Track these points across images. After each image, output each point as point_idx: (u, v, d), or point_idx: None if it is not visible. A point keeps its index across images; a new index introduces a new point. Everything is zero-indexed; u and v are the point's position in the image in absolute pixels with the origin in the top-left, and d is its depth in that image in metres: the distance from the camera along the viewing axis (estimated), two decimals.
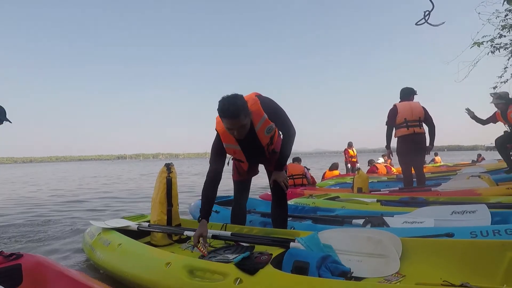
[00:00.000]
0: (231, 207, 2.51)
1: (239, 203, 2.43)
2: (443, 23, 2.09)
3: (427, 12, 2.03)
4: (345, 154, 10.33)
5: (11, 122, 3.26)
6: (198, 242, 1.83)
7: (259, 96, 1.99)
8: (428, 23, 2.07)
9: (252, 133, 1.94)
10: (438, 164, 11.74)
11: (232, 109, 1.74)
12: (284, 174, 2.09)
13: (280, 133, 2.14)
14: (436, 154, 14.49)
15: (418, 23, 2.08)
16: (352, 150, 10.31)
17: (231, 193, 2.70)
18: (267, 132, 1.98)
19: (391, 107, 4.31)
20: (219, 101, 1.80)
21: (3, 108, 3.27)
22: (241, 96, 1.85)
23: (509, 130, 4.30)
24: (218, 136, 2.03)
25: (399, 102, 4.35)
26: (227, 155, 2.13)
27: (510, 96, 4.23)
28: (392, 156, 4.97)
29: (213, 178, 2.01)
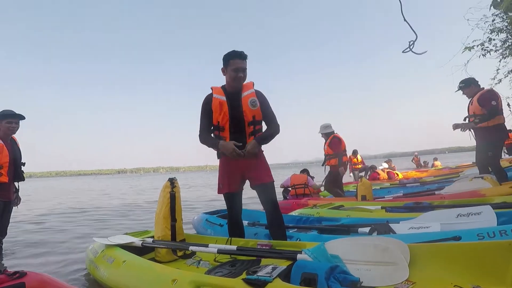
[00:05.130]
0: None
1: (232, 216, 2.41)
2: (426, 51, 2.32)
3: (412, 42, 2.29)
4: (350, 161, 10.12)
5: None
6: (235, 152, 2.15)
7: None
8: (412, 51, 2.31)
9: (238, 95, 2.26)
10: (439, 167, 11.72)
11: (243, 53, 2.24)
12: (255, 143, 2.22)
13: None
14: (435, 159, 14.45)
15: (404, 51, 2.33)
16: (357, 158, 10.25)
17: None
18: (251, 104, 2.23)
19: (488, 89, 3.86)
20: (230, 51, 2.25)
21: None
22: None
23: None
24: (210, 95, 2.33)
25: (475, 92, 3.79)
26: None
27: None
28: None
29: (205, 132, 2.35)
